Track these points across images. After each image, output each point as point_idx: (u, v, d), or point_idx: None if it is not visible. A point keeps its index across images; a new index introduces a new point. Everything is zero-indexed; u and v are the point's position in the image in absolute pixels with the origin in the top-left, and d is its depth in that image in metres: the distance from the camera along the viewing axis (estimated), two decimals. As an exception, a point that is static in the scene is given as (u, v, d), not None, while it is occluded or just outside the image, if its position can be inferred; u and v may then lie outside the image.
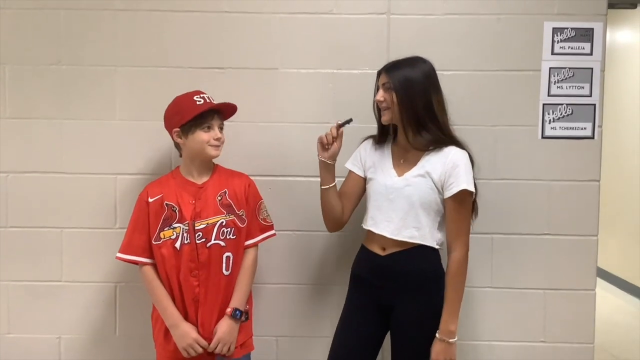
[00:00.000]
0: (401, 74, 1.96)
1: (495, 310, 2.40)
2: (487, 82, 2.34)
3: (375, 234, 2.03)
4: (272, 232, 2.22)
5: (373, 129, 2.31)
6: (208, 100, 2.06)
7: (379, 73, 2.04)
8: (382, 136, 2.12)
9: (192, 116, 2.02)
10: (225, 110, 2.12)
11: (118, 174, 2.37)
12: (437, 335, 1.92)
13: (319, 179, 2.31)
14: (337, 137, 2.04)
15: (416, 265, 1.99)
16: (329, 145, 2.03)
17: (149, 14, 2.34)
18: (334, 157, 2.06)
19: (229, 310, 2.06)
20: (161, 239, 2.05)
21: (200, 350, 2.03)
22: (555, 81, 2.35)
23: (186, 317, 2.06)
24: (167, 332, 2.08)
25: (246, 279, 2.13)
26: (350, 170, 2.16)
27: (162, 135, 2.17)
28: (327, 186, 2.09)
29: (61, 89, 2.35)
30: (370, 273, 2.06)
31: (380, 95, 2.00)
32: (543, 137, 2.36)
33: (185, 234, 2.04)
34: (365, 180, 2.13)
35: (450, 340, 1.92)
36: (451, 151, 1.97)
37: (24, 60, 2.34)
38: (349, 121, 2.05)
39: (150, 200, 2.09)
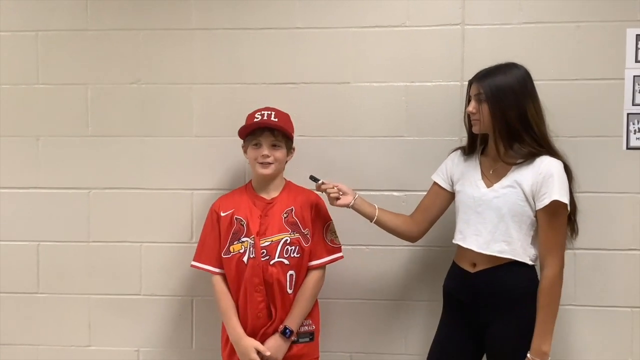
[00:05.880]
0: (493, 83, 1.89)
1: (579, 329, 2.30)
2: (567, 92, 2.26)
3: (465, 249, 1.97)
4: (340, 254, 2.18)
5: (449, 142, 2.29)
6: (266, 118, 2.05)
7: (470, 83, 1.98)
8: (472, 147, 2.05)
9: (242, 133, 2.08)
10: (285, 129, 2.09)
11: (194, 189, 2.41)
12: (528, 355, 1.83)
13: (393, 193, 2.34)
14: (326, 189, 2.05)
15: (507, 283, 1.90)
16: (337, 193, 2.04)
17: (224, 32, 2.38)
18: (348, 196, 2.05)
19: (280, 327, 2.05)
20: (230, 252, 2.07)
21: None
22: (640, 90, 2.25)
23: (251, 333, 2.06)
24: (233, 348, 2.09)
25: (305, 299, 2.09)
26: (434, 182, 2.11)
27: (237, 151, 2.20)
28: (374, 219, 2.07)
29: (140, 108, 2.42)
30: (460, 291, 2.01)
31: (472, 106, 1.93)
32: (628, 148, 2.26)
33: (251, 248, 2.05)
34: (448, 193, 2.09)
35: None
36: (544, 160, 1.87)
37: (105, 80, 2.42)
38: (313, 178, 2.08)
39: (222, 214, 2.12)
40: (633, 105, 2.25)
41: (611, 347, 2.31)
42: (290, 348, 2.07)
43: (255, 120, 2.06)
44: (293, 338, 2.07)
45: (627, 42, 2.25)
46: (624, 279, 2.29)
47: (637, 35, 2.25)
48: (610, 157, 2.27)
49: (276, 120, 2.06)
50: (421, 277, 2.37)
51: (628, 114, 2.25)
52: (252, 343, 2.03)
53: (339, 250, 2.17)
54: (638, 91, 2.25)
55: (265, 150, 2.06)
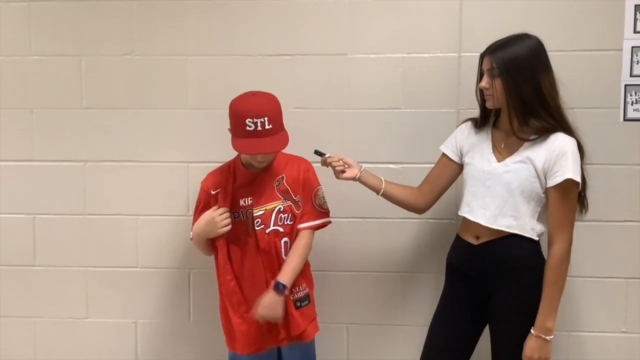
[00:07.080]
0: (506, 56, 1.82)
1: (574, 300, 2.31)
2: (565, 62, 2.22)
3: (470, 221, 1.96)
4: (327, 219, 2.16)
5: (446, 114, 2.29)
6: (260, 128, 1.94)
7: (482, 56, 1.92)
8: (484, 120, 2.01)
9: (235, 147, 2.00)
10: (284, 146, 2.03)
11: (190, 162, 2.40)
12: (532, 331, 1.82)
13: (389, 165, 2.33)
14: (331, 162, 2.01)
15: (511, 253, 1.89)
16: (342, 166, 2.01)
17: (218, 2, 2.35)
18: (354, 169, 2.02)
19: (272, 282, 2.02)
20: None
21: (225, 211, 2.04)
22: (638, 61, 2.23)
23: (243, 297, 2.07)
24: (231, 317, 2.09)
25: (297, 256, 2.06)
26: (443, 153, 2.09)
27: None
28: (381, 191, 2.05)
29: (134, 79, 2.40)
30: (464, 263, 2.00)
31: (485, 82, 1.88)
32: (625, 119, 2.26)
33: (234, 219, 2.06)
34: (457, 165, 2.06)
35: (547, 337, 1.82)
36: (558, 138, 1.84)
37: (99, 51, 2.40)
38: (318, 152, 2.04)
39: (212, 192, 2.12)
40: (631, 76, 2.24)
41: (606, 317, 2.33)
42: (293, 314, 2.06)
43: (248, 129, 1.95)
44: (286, 293, 2.02)
45: (626, 13, 2.23)
46: (620, 250, 2.30)
47: (635, 5, 2.22)
48: (608, 129, 2.26)
49: (270, 127, 1.96)
50: (419, 250, 2.38)
51: (626, 85, 2.24)
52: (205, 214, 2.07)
53: (327, 215, 2.16)
54: (636, 62, 2.24)
55: (259, 157, 2.04)
